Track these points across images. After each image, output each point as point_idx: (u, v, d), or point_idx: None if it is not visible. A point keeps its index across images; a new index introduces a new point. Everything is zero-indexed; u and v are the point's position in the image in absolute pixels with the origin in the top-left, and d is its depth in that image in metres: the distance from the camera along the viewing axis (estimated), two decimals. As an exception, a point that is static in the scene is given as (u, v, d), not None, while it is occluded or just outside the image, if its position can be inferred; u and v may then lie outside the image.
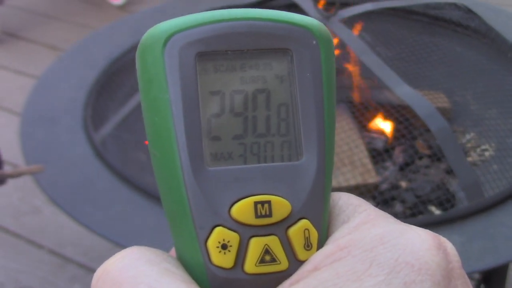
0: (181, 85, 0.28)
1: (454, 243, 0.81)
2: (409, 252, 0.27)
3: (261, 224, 0.28)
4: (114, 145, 1.11)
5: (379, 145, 1.20)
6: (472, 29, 1.31)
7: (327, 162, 0.29)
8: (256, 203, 0.28)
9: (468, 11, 1.33)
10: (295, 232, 0.29)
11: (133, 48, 1.31)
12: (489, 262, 0.79)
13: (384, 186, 1.10)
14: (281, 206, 0.28)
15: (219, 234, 0.28)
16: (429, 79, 1.33)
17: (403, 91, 0.96)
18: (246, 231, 0.28)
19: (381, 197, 1.06)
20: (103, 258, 1.28)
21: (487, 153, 1.14)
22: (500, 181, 1.00)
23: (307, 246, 0.29)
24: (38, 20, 2.75)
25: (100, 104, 1.19)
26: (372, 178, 1.05)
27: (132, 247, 0.28)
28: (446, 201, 1.01)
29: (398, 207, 1.05)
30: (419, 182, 1.11)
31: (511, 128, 1.14)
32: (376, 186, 1.07)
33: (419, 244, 0.27)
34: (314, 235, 0.29)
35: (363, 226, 0.28)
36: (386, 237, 0.27)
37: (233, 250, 0.28)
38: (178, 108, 0.28)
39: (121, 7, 2.80)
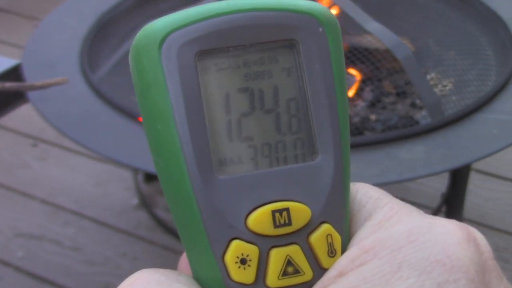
0: (182, 88, 0.26)
1: (418, 152, 0.94)
2: (439, 249, 0.25)
3: (280, 233, 0.27)
4: (109, 87, 1.21)
5: (349, 85, 1.32)
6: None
7: (344, 159, 0.28)
8: (273, 211, 0.27)
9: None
10: (317, 238, 0.27)
11: (120, 4, 1.41)
12: (449, 165, 0.92)
13: (355, 119, 1.22)
14: (300, 212, 0.27)
15: (236, 248, 0.26)
16: (394, 28, 1.45)
17: (372, 26, 1.08)
18: (265, 243, 0.27)
19: (352, 127, 1.18)
20: (93, 205, 1.43)
21: (447, 88, 1.27)
22: (458, 108, 1.12)
23: (331, 252, 0.27)
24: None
25: (94, 52, 1.28)
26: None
27: (142, 271, 0.27)
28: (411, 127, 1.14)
29: (368, 135, 1.17)
30: (387, 114, 1.23)
31: (467, 66, 1.27)
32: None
33: (449, 239, 0.26)
34: (337, 240, 0.27)
35: (387, 223, 0.27)
36: (414, 235, 0.26)
37: (253, 264, 0.26)
38: (181, 114, 0.26)
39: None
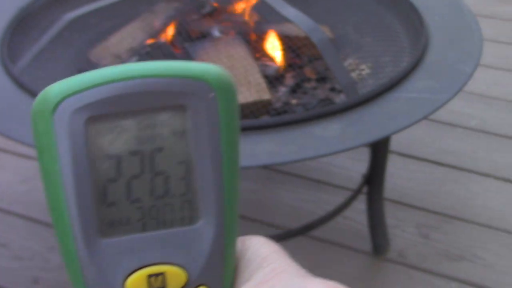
0: (71, 154, 0.27)
1: (333, 130, 0.98)
2: None
3: None
4: (30, 79, 1.21)
5: (271, 72, 1.35)
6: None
7: (226, 224, 0.29)
8: (149, 275, 0.28)
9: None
10: None
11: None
12: (362, 140, 0.96)
13: (277, 104, 1.26)
14: (176, 276, 0.28)
15: None
16: (313, 16, 1.50)
17: (288, 12, 1.11)
18: None
19: (275, 112, 1.21)
20: (20, 201, 1.42)
21: (364, 72, 1.31)
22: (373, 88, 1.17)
23: None
24: None
25: (14, 44, 1.27)
26: (266, 95, 1.20)
27: None
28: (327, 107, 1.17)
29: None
30: (307, 98, 1.27)
31: (383, 50, 1.32)
32: (270, 102, 1.23)
33: None
34: None
35: (262, 286, 0.27)
36: None
37: None
38: (68, 180, 0.27)
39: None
